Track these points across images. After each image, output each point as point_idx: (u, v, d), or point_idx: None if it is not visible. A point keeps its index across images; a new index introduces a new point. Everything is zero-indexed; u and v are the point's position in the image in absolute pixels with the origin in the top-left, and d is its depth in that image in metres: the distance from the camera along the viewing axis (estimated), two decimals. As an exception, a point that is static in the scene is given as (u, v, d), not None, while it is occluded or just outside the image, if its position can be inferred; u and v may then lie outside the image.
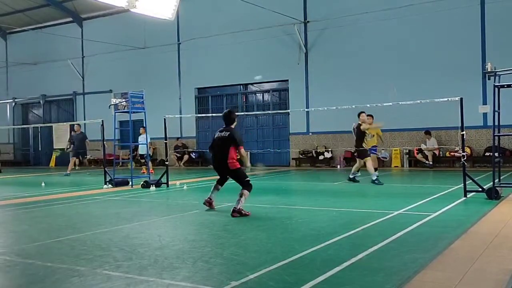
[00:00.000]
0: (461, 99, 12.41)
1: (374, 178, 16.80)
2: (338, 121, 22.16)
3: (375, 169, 18.28)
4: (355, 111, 19.74)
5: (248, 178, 11.12)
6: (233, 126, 11.53)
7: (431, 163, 23.54)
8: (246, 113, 28.95)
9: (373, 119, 19.65)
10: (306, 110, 26.03)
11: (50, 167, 33.46)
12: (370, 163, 17.06)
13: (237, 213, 10.39)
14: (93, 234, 8.54)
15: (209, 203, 11.55)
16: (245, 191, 10.86)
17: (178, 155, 29.85)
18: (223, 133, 11.44)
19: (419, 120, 23.57)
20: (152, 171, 21.86)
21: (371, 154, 19.64)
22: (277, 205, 11.94)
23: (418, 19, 24.38)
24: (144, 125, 19.69)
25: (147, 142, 21.09)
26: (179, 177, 20.20)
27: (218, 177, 11.76)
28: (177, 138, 30.43)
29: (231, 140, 11.21)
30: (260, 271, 5.82)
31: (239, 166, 11.23)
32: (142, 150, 22.48)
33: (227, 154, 11.11)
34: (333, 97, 25.35)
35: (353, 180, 17.41)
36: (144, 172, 21.06)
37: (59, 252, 7.24)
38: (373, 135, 19.60)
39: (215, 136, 11.58)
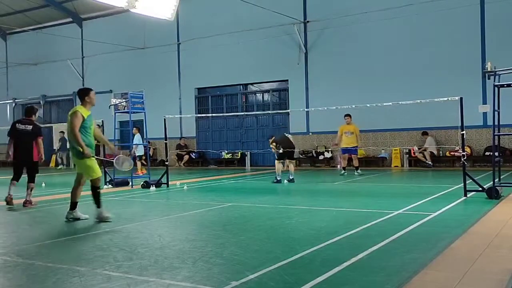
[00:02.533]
0: (461, 98, 12.41)
1: (279, 178, 17.77)
2: (338, 121, 22.06)
3: (344, 168, 20.55)
4: (355, 111, 19.85)
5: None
6: (33, 119, 13.12)
7: (430, 163, 23.52)
8: (246, 113, 28.97)
9: (350, 118, 19.96)
10: (306, 110, 26.04)
11: (50, 168, 33.43)
12: (280, 164, 18.14)
13: (29, 203, 12.41)
14: (94, 235, 8.58)
15: (10, 200, 12.55)
16: (33, 184, 12.74)
17: (183, 152, 29.85)
18: (25, 126, 12.83)
19: (419, 120, 23.60)
20: (141, 172, 21.80)
21: (343, 154, 20.11)
22: (277, 205, 11.92)
23: (417, 18, 24.38)
24: (138, 125, 19.76)
25: (143, 142, 21.10)
26: (179, 177, 20.20)
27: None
28: (181, 138, 30.46)
29: (37, 132, 12.89)
30: (260, 271, 5.82)
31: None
32: (139, 151, 22.45)
33: (33, 146, 12.70)
34: (333, 97, 25.33)
35: (291, 181, 17.88)
36: (138, 173, 21.03)
37: (60, 252, 7.25)
38: (352, 132, 19.87)
39: (18, 128, 12.80)
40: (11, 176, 12.87)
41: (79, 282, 5.64)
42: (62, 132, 33.16)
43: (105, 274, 5.89)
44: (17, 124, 12.98)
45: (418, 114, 22.79)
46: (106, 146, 11.43)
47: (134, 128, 21.23)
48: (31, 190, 12.66)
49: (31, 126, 12.94)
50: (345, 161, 20.85)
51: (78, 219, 10.00)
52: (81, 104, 10.13)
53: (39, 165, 13.21)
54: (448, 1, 23.46)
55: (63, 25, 36.64)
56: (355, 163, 20.61)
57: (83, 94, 10.15)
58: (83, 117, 9.82)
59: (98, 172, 9.97)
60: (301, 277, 5.58)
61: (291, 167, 18.17)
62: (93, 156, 9.84)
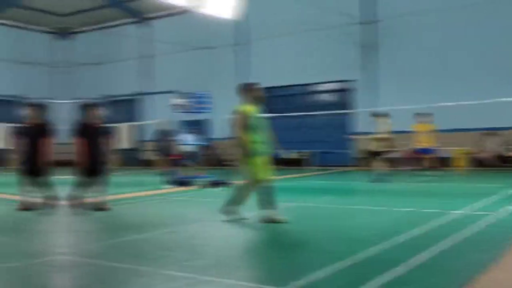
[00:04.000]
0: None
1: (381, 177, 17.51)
2: (405, 121, 21.70)
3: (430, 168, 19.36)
4: (423, 111, 19.45)
5: None
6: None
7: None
8: (312, 113, 28.71)
9: (427, 117, 19.17)
10: (373, 109, 25.67)
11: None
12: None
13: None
14: (157, 235, 8.60)
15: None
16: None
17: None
18: None
19: (486, 119, 23.06)
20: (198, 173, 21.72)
21: (420, 153, 19.37)
22: (338, 205, 11.92)
23: (486, 16, 23.85)
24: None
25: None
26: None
27: None
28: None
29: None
30: (322, 271, 5.75)
31: None
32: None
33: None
34: (401, 97, 24.97)
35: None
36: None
37: (122, 252, 7.29)
38: (430, 131, 19.24)
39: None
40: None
41: (142, 282, 5.67)
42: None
43: (168, 274, 5.89)
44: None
45: (482, 113, 22.27)
46: None
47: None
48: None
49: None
50: (424, 162, 20.01)
51: (240, 218, 9.62)
52: (244, 101, 9.71)
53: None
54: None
55: (127, 25, 37.07)
56: (429, 163, 19.98)
57: (243, 90, 9.81)
58: (246, 114, 9.46)
59: (259, 175, 9.39)
60: (364, 277, 5.47)
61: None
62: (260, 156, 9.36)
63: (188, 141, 21.07)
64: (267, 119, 9.85)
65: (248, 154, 9.33)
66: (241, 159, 9.47)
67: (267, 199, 9.44)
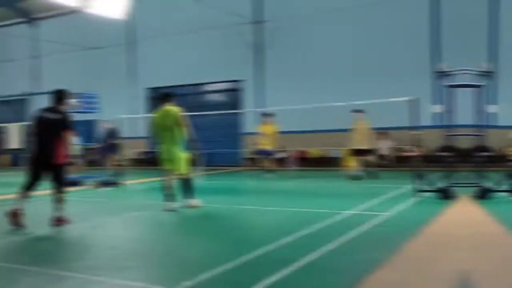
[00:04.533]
0: (413, 99, 12.45)
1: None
2: (291, 121, 21.94)
3: None
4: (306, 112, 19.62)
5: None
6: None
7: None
8: (198, 113, 28.62)
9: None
10: (259, 110, 25.84)
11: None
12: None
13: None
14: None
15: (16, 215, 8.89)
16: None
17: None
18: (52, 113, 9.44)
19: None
20: None
21: None
22: (227, 205, 11.96)
23: (369, 19, 24.58)
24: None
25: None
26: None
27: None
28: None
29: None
30: (210, 272, 5.77)
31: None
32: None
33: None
34: (289, 98, 25.24)
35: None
36: None
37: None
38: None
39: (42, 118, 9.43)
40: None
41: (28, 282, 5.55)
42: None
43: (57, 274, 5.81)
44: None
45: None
46: None
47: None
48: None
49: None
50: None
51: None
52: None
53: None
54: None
55: (16, 24, 36.01)
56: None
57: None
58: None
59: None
60: (252, 278, 5.52)
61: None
62: None
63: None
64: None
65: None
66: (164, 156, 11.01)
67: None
